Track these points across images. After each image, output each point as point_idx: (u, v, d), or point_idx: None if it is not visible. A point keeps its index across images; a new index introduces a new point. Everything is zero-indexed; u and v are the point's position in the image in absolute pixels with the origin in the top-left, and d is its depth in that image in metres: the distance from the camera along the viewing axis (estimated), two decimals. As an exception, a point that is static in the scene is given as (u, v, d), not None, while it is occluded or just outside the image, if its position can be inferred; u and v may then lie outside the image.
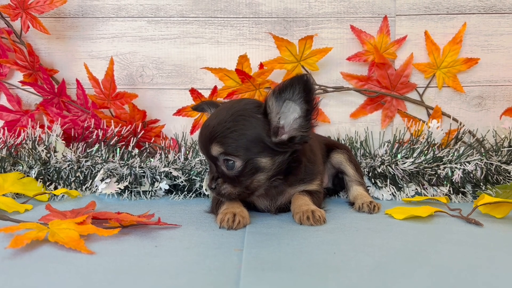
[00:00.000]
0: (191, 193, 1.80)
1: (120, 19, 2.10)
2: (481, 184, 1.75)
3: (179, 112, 2.05)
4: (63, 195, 1.71)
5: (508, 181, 1.75)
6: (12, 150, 1.86)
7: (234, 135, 1.28)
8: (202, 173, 1.79)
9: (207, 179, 1.47)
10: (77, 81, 2.05)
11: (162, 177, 1.78)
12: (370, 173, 1.83)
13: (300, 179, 1.45)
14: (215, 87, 2.03)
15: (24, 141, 1.89)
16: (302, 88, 1.23)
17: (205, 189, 1.76)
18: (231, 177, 1.32)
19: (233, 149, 1.29)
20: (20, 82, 2.05)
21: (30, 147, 1.84)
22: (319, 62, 2.02)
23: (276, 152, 1.32)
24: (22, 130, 1.95)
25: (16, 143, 1.89)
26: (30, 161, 1.80)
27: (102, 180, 1.72)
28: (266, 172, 1.33)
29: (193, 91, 2.02)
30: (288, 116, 1.29)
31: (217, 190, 1.34)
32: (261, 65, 2.02)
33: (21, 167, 1.80)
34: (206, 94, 2.03)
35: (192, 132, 2.07)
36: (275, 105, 1.28)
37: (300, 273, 0.92)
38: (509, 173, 1.76)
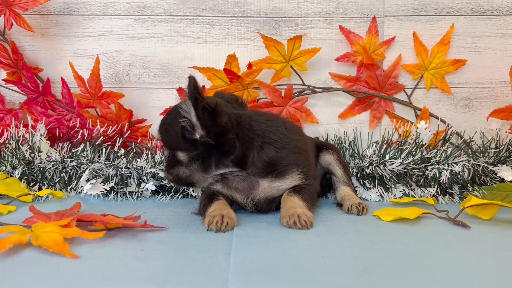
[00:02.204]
0: (178, 194, 1.78)
1: (106, 17, 2.07)
2: (468, 185, 1.76)
3: (166, 112, 2.02)
4: (47, 196, 1.68)
5: (494, 183, 1.76)
6: (-5, 150, 1.82)
7: (167, 127, 1.43)
8: (190, 174, 1.77)
9: None
10: (62, 79, 2.01)
11: (149, 178, 1.76)
12: (359, 174, 1.83)
13: (267, 172, 1.43)
14: (203, 86, 2.01)
15: (7, 141, 1.85)
16: (189, 90, 1.27)
17: (192, 190, 1.75)
18: (166, 163, 1.47)
19: (164, 139, 1.46)
20: (4, 80, 2.01)
21: (14, 146, 1.81)
22: (307, 63, 2.02)
23: (191, 148, 1.37)
24: (5, 129, 1.92)
25: (-1, 143, 1.86)
26: (13, 161, 1.77)
27: (87, 180, 1.69)
28: (186, 166, 1.41)
29: (181, 91, 2.00)
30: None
31: (164, 169, 1.52)
32: (250, 65, 2.01)
33: (4, 167, 1.76)
34: (194, 93, 2.01)
35: (179, 132, 2.05)
36: (188, 105, 1.30)
37: (288, 277, 0.91)
38: (496, 174, 1.77)
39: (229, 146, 1.37)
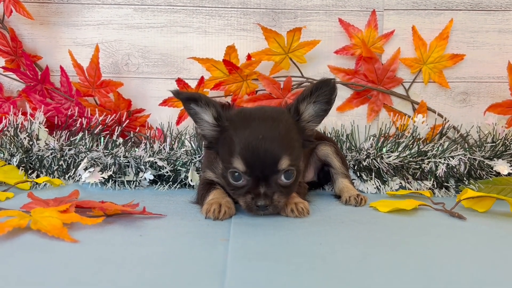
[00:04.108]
0: (176, 184, 1.79)
1: (106, 6, 2.07)
2: (464, 179, 1.77)
3: (165, 103, 2.03)
4: (45, 183, 1.68)
5: (490, 177, 1.77)
6: (-7, 137, 1.82)
7: (294, 145, 1.30)
8: (188, 163, 1.78)
9: (212, 197, 1.37)
10: (61, 68, 2.01)
11: (147, 167, 1.76)
12: (356, 166, 1.84)
13: None
14: (202, 77, 2.01)
15: (5, 128, 1.85)
16: (329, 91, 1.31)
17: (190, 180, 1.75)
18: (285, 187, 1.29)
19: (294, 159, 1.28)
20: (2, 67, 2.01)
21: (12, 134, 1.81)
22: (307, 55, 2.02)
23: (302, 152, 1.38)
24: (3, 117, 1.91)
25: (-3, 130, 1.85)
26: (11, 149, 1.77)
27: (85, 169, 1.69)
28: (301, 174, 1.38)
29: (179, 81, 2.00)
30: (306, 116, 1.36)
31: (273, 206, 1.26)
32: (249, 56, 2.01)
33: (3, 154, 1.76)
34: (193, 84, 2.02)
35: (178, 123, 2.05)
36: (306, 108, 1.34)
37: (286, 263, 0.92)
38: (492, 168, 1.78)
39: None
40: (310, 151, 1.74)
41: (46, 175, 1.76)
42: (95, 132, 1.87)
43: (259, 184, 1.26)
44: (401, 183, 1.79)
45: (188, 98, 1.35)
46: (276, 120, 1.29)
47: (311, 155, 1.74)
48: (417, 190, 1.75)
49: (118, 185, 1.75)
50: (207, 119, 1.34)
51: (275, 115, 1.32)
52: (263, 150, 1.23)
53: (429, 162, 1.79)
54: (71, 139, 1.83)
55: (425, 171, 1.79)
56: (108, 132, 1.92)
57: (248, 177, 1.27)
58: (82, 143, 1.81)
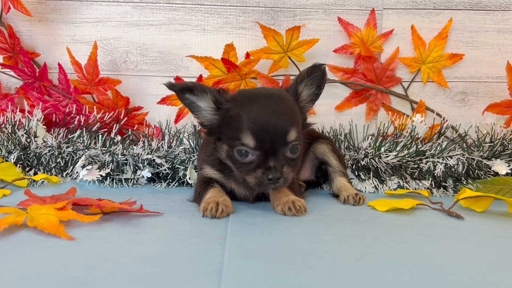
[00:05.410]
0: (174, 182, 1.78)
1: (104, 3, 2.06)
2: (463, 178, 1.77)
3: (163, 101, 2.02)
4: (42, 181, 1.68)
5: (488, 176, 1.78)
6: (-9, 134, 1.81)
7: (298, 120, 1.35)
8: (186, 161, 1.77)
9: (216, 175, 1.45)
10: (59, 65, 2.00)
11: (145, 164, 1.76)
12: (354, 166, 1.84)
13: None
14: (201, 76, 2.01)
15: (3, 125, 1.84)
16: (320, 76, 1.39)
17: (189, 178, 1.75)
18: (291, 160, 1.31)
19: (299, 132, 1.33)
20: (0, 64, 2.00)
21: (10, 131, 1.80)
22: (305, 54, 2.02)
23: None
24: (1, 114, 1.91)
25: (-6, 127, 1.85)
26: (9, 146, 1.76)
27: (83, 166, 1.69)
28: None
29: (178, 80, 2.00)
30: (304, 96, 1.42)
31: (283, 178, 1.27)
32: (248, 55, 2.00)
33: (0, 151, 1.76)
34: (191, 82, 2.01)
35: (176, 121, 2.04)
36: (303, 89, 1.40)
37: (283, 261, 0.91)
38: (490, 168, 1.78)
39: None
40: (306, 149, 1.73)
41: (43, 172, 1.76)
42: (93, 129, 1.87)
43: (268, 159, 1.27)
44: (399, 182, 1.79)
45: (182, 89, 1.37)
46: (280, 97, 1.34)
47: (307, 153, 1.73)
48: (415, 189, 1.74)
49: (115, 183, 1.74)
50: (205, 106, 1.36)
51: (278, 92, 1.38)
52: (273, 123, 1.26)
53: (427, 161, 1.78)
54: (69, 137, 1.83)
55: (423, 170, 1.78)
56: (106, 129, 1.92)
57: (258, 151, 1.27)
58: (80, 140, 1.81)
